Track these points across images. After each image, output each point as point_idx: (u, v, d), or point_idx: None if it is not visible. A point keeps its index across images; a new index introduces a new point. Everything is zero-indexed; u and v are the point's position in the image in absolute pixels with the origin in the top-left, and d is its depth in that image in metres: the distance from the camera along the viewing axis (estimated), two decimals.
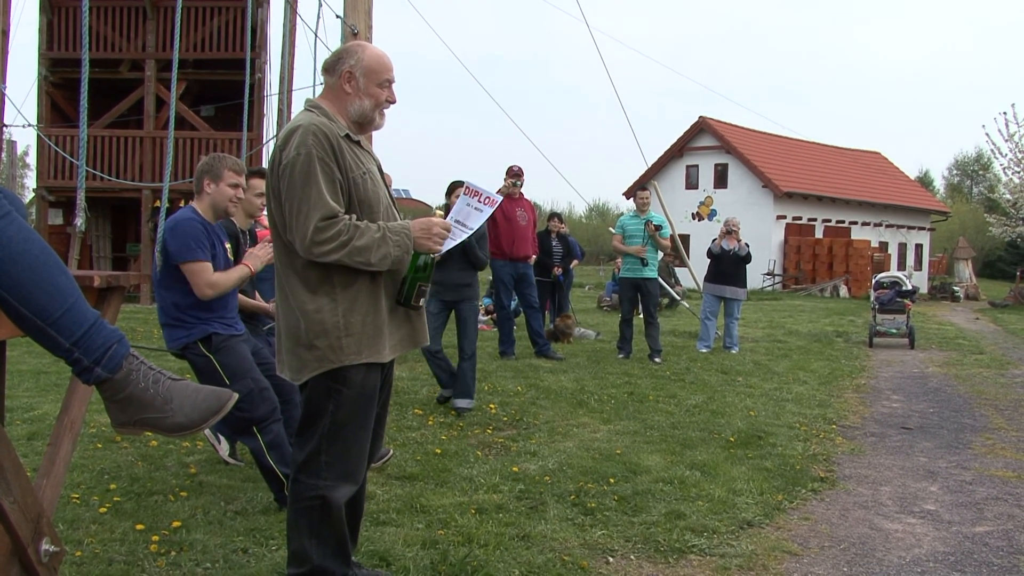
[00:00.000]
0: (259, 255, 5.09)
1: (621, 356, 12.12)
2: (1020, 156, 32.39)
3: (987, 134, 37.16)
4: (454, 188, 8.41)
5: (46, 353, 2.52)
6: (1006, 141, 32.57)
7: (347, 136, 3.43)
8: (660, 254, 12.56)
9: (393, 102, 3.60)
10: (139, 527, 4.57)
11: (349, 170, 3.36)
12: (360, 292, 3.37)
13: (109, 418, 2.57)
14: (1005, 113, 32.41)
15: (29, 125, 18.21)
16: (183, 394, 2.56)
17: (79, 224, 4.78)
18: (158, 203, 21.24)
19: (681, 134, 39.45)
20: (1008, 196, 34.08)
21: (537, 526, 4.81)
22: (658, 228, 12.11)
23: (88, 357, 2.44)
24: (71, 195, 21.37)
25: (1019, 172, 32.82)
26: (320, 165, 3.26)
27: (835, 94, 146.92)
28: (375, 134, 3.62)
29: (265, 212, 6.16)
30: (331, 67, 3.54)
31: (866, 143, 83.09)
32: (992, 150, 34.07)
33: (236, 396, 2.68)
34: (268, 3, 22.24)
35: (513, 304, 12.26)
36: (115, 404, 2.52)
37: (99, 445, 6.32)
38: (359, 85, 3.49)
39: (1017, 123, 32.14)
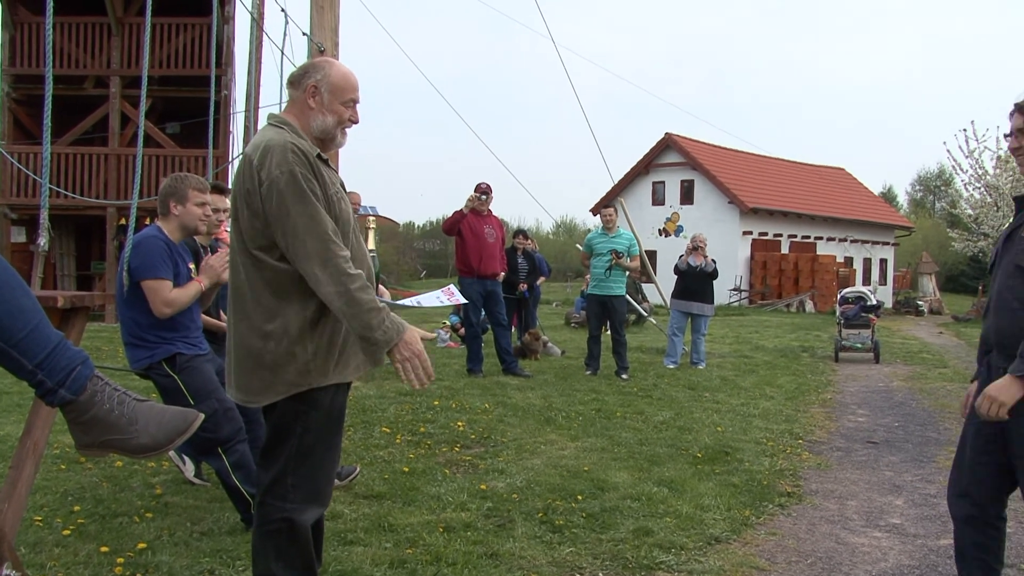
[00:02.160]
0: (214, 266, 5.06)
1: (589, 373, 12.14)
2: (980, 172, 32.78)
3: (948, 151, 37.62)
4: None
5: (7, 373, 2.49)
6: (966, 157, 32.95)
7: (318, 155, 3.40)
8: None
9: (356, 122, 3.54)
10: (104, 549, 4.52)
11: (326, 187, 3.32)
12: (323, 312, 3.31)
13: (73, 440, 2.55)
14: (965, 130, 32.78)
15: None
16: (148, 415, 2.53)
17: (42, 244, 4.74)
18: (123, 220, 21.13)
19: (647, 151, 39.71)
20: (969, 211, 34.45)
21: (505, 544, 4.81)
22: (621, 256, 12.15)
23: (52, 379, 2.42)
24: (34, 213, 21.19)
25: (979, 188, 33.21)
26: (306, 184, 3.21)
27: (799, 111, 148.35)
28: (341, 151, 3.61)
29: (227, 228, 6.15)
30: (296, 81, 3.48)
31: (830, 159, 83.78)
32: (953, 166, 34.45)
33: (202, 417, 2.66)
34: (234, 20, 22.22)
35: (480, 320, 12.26)
36: (79, 426, 2.50)
37: (63, 466, 6.25)
38: (323, 100, 3.43)
39: (977, 140, 32.53)
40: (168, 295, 4.75)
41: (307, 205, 3.19)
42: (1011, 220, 3.71)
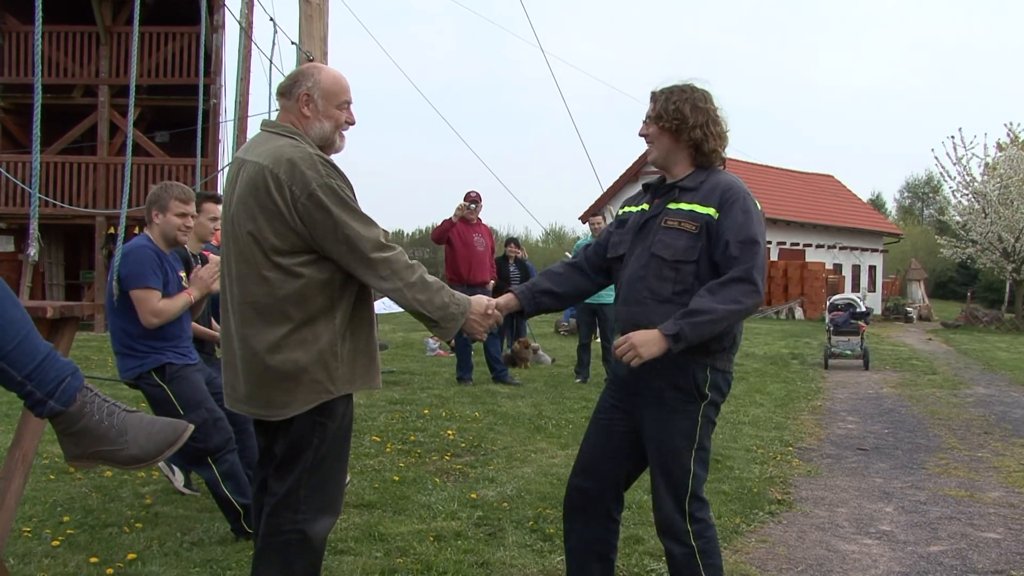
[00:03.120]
0: (204, 278, 5.05)
1: (579, 381, 12.14)
2: (968, 179, 32.97)
3: (936, 158, 37.60)
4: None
5: None
6: (954, 164, 33.15)
7: None
8: None
9: (352, 123, 3.52)
10: (93, 560, 4.50)
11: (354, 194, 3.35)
12: (350, 321, 3.32)
13: (63, 451, 2.54)
14: (953, 137, 32.98)
15: None
16: (138, 426, 2.53)
17: (32, 254, 4.73)
18: (112, 229, 21.07)
19: (636, 158, 39.67)
20: (958, 218, 34.66)
21: (496, 553, 4.80)
22: None
23: (41, 390, 2.41)
24: (23, 222, 21.15)
25: (967, 194, 33.39)
26: (343, 193, 3.22)
27: (788, 118, 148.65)
28: (334, 158, 3.58)
29: (219, 235, 6.14)
30: (287, 90, 3.43)
31: (819, 166, 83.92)
32: (941, 173, 34.70)
33: (192, 427, 2.65)
34: (223, 29, 22.20)
35: None
36: (69, 437, 2.49)
37: (52, 476, 6.23)
38: (318, 107, 3.40)
39: (964, 147, 32.74)
40: (156, 305, 4.74)
41: (355, 213, 3.22)
42: (644, 208, 3.74)
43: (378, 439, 7.70)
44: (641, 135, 3.72)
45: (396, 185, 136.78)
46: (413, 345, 16.99)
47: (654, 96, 3.65)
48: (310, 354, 3.24)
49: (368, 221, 3.24)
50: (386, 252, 3.22)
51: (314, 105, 3.40)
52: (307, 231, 3.19)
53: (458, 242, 11.48)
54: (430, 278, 3.31)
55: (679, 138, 3.58)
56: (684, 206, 3.53)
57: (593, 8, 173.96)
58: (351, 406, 3.45)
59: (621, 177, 39.80)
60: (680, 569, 3.53)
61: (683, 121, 3.53)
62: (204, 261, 5.75)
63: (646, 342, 3.35)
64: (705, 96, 3.60)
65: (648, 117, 3.66)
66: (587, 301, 12.32)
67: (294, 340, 3.24)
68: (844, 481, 6.91)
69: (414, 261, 3.30)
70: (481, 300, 3.48)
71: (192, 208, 5.08)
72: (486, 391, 10.79)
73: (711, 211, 3.46)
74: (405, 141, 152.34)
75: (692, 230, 3.48)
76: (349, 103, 3.50)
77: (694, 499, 3.51)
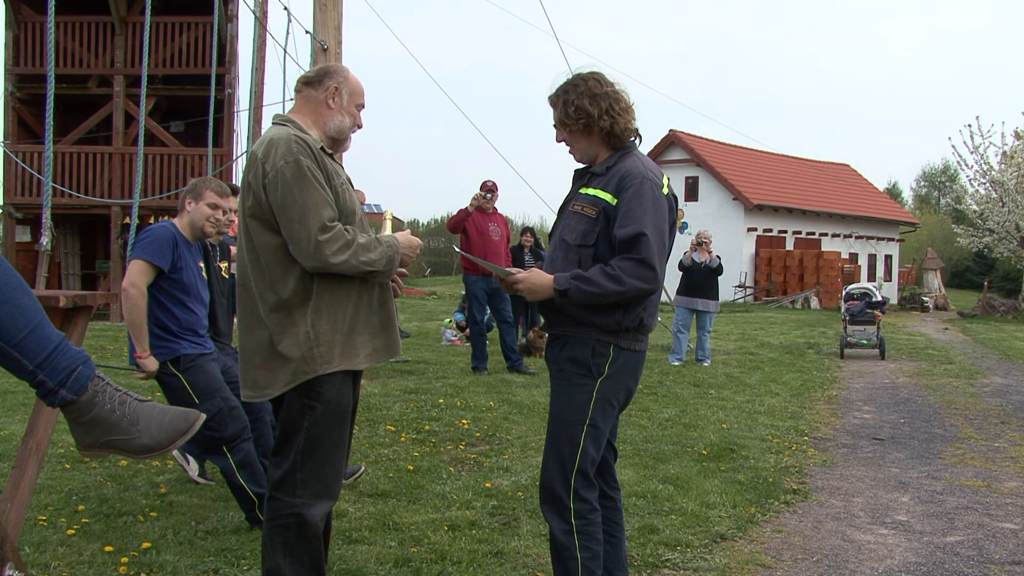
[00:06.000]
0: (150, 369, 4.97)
1: None
2: (985, 167, 32.73)
3: (953, 146, 37.42)
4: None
5: (10, 373, 2.48)
6: (971, 153, 32.91)
7: (322, 148, 3.47)
8: None
9: (361, 127, 3.72)
10: (108, 549, 4.52)
11: (331, 178, 3.41)
12: (326, 300, 3.37)
13: (75, 440, 2.54)
14: (970, 125, 32.72)
15: None
16: (150, 415, 2.52)
17: (44, 243, 4.75)
18: (128, 219, 21.14)
19: (652, 147, 39.56)
20: (975, 207, 34.44)
21: (510, 542, 4.80)
22: None
23: (52, 379, 2.41)
24: (39, 212, 21.20)
25: (984, 183, 33.17)
26: (310, 172, 3.30)
27: (804, 107, 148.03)
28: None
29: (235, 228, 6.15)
30: (316, 80, 3.62)
31: (835, 155, 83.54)
32: (958, 162, 34.49)
33: (203, 417, 2.65)
34: (237, 19, 22.22)
35: (485, 318, 12.24)
36: (80, 426, 2.49)
37: (67, 465, 6.25)
38: (343, 102, 3.61)
39: (982, 135, 32.48)
40: (140, 280, 4.74)
41: (310, 192, 3.29)
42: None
43: (393, 428, 7.70)
44: (559, 142, 3.75)
45: (411, 175, 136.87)
46: (428, 335, 16.99)
47: (552, 102, 3.69)
48: (287, 334, 3.35)
49: (321, 201, 3.29)
50: (329, 232, 3.27)
51: (340, 99, 3.62)
52: (270, 207, 3.31)
53: (473, 231, 11.47)
54: (363, 238, 3.36)
55: (591, 132, 3.62)
56: (590, 191, 3.59)
57: None
58: (345, 389, 3.48)
59: None
60: (557, 546, 3.57)
61: (588, 116, 3.57)
62: (225, 250, 5.77)
63: (538, 284, 3.51)
64: (598, 80, 3.62)
65: (556, 125, 3.70)
66: None
67: (271, 320, 3.36)
68: (860, 471, 6.88)
69: (352, 234, 3.34)
70: (410, 237, 3.60)
71: (225, 203, 5.10)
72: (501, 380, 10.79)
73: (609, 197, 3.50)
74: (421, 130, 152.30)
75: (592, 215, 3.54)
76: (363, 107, 3.73)
77: (580, 475, 3.57)
